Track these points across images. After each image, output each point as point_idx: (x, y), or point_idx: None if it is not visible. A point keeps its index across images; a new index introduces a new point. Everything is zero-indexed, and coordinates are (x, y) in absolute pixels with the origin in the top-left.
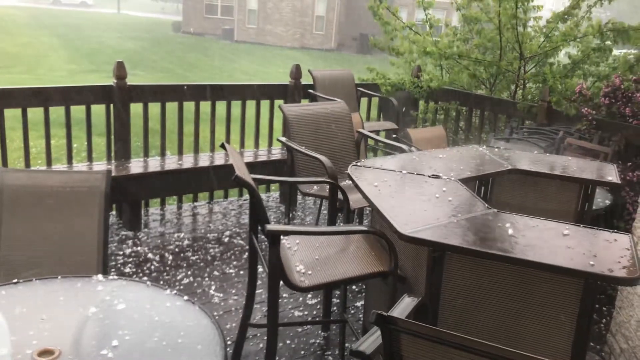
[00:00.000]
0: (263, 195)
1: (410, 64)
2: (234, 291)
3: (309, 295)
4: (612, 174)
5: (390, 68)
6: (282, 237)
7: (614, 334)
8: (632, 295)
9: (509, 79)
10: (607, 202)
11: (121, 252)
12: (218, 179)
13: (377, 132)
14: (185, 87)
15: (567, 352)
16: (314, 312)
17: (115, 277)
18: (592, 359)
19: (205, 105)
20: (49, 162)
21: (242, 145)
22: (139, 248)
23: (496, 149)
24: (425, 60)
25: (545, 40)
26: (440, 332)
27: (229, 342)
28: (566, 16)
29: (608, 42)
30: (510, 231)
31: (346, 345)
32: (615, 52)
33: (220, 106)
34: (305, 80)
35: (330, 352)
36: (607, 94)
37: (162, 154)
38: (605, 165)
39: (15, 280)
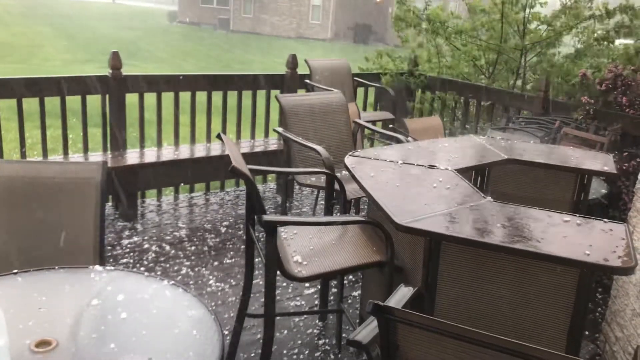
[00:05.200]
0: (259, 186)
1: (413, 50)
2: (231, 281)
3: (306, 285)
4: (608, 164)
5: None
6: (279, 227)
7: (609, 322)
8: (627, 285)
9: (511, 67)
10: (603, 191)
11: (118, 243)
12: (214, 169)
13: (373, 122)
14: (181, 77)
15: (562, 340)
16: (311, 302)
17: (112, 267)
18: (587, 347)
19: (201, 96)
20: (44, 153)
21: (239, 135)
22: (135, 239)
23: (493, 139)
24: (428, 45)
25: (547, 30)
26: (436, 321)
27: (226, 332)
28: (568, 10)
29: (611, 33)
30: (506, 221)
31: (343, 335)
32: (616, 42)
33: (217, 96)
34: (302, 70)
35: (327, 342)
36: (605, 80)
37: (159, 144)
38: (602, 155)
39: (15, 271)
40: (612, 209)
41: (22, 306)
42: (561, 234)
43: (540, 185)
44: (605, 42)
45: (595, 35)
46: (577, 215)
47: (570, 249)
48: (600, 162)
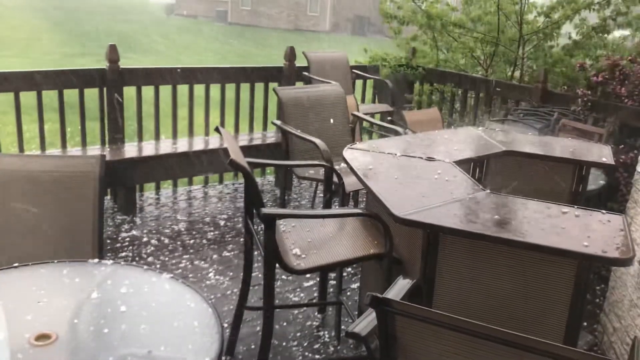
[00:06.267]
0: (258, 179)
1: (409, 43)
2: (230, 274)
3: (305, 277)
4: (606, 155)
5: (387, 49)
6: (277, 220)
7: (607, 313)
8: (625, 276)
9: (507, 58)
10: (602, 183)
11: (117, 237)
12: (213, 162)
13: (372, 115)
14: (179, 70)
15: (560, 331)
16: (310, 295)
17: (111, 261)
18: (585, 338)
19: (199, 89)
20: (42, 147)
21: (237, 128)
22: (134, 232)
23: (491, 131)
24: (423, 37)
25: (545, 21)
26: (434, 313)
27: (225, 325)
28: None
29: (608, 21)
30: (504, 213)
31: (342, 327)
32: (616, 33)
33: (215, 89)
34: (300, 62)
35: (326, 334)
36: (601, 71)
37: (157, 137)
38: (600, 146)
39: (14, 265)
40: (610, 200)
41: (21, 300)
42: (559, 226)
43: (539, 176)
44: (602, 34)
45: (592, 24)
46: (576, 206)
47: (569, 240)
48: (599, 153)
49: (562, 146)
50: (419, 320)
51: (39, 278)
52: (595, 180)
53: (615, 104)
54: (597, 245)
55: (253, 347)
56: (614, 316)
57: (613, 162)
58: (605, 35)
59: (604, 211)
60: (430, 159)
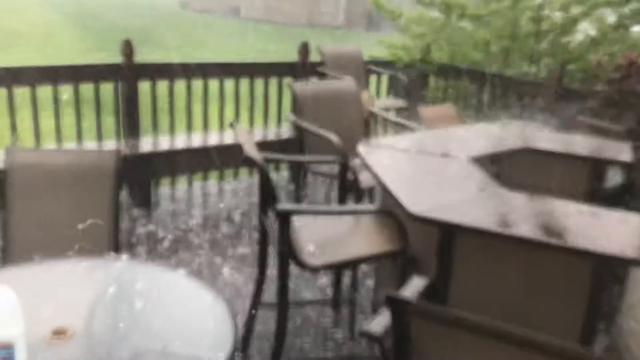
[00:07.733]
0: (272, 175)
1: (425, 35)
2: (245, 270)
3: (319, 275)
4: (624, 153)
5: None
6: (292, 216)
7: (624, 315)
8: None
9: (524, 54)
10: (620, 181)
11: (132, 231)
12: (228, 157)
13: (386, 110)
14: (193, 65)
15: (576, 332)
16: (324, 292)
17: (128, 256)
18: (601, 340)
19: (213, 84)
20: (58, 141)
21: (251, 123)
22: (150, 227)
23: (507, 127)
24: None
25: (563, 16)
26: (449, 312)
27: (239, 321)
28: None
29: (626, 20)
30: (521, 211)
31: (356, 325)
32: (636, 28)
33: (229, 84)
34: (314, 57)
35: (340, 332)
36: (621, 67)
37: (171, 132)
38: (618, 143)
39: (32, 259)
40: (628, 199)
41: (38, 294)
42: (576, 225)
43: (556, 174)
44: (621, 29)
45: (610, 23)
46: (593, 205)
47: (586, 239)
48: (617, 150)
49: (579, 143)
50: (433, 319)
51: (56, 273)
52: (614, 179)
53: (633, 100)
54: (614, 244)
55: (267, 344)
56: (631, 318)
57: (631, 160)
58: (624, 30)
59: (622, 210)
60: (445, 155)
